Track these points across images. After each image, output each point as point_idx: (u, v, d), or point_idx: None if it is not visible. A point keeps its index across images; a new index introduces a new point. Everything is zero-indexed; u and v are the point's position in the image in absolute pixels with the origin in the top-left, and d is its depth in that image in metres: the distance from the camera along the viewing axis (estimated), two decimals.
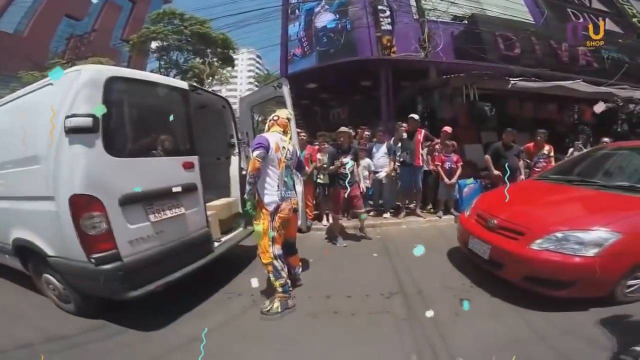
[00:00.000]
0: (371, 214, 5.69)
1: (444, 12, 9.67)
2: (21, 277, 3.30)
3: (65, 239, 2.35)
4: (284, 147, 2.83)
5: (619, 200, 2.81)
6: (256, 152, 2.63)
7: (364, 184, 4.38)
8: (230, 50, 20.04)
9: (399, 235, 4.90)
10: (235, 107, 4.92)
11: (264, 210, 2.74)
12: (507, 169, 4.98)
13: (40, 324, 2.72)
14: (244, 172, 4.13)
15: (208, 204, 3.53)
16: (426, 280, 3.23)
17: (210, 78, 20.22)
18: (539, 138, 5.49)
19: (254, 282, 2.87)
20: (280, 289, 2.75)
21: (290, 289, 2.86)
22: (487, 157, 5.33)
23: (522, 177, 5.03)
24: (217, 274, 3.56)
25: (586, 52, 9.98)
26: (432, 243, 4.13)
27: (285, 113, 3.06)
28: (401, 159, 5.44)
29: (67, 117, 2.21)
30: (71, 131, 2.21)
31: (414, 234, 4.86)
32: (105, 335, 2.50)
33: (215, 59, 19.83)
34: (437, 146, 5.69)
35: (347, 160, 4.27)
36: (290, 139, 3.03)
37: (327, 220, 5.50)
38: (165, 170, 2.85)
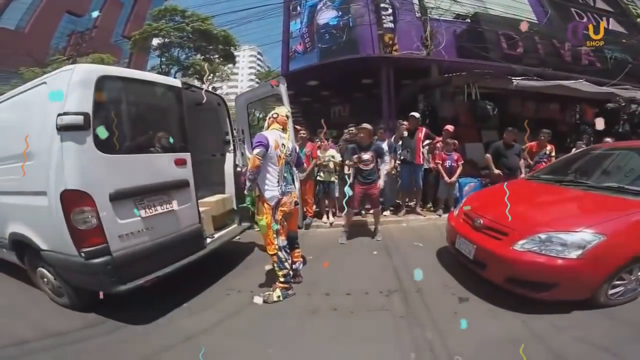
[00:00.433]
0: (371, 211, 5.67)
1: (446, 10, 9.64)
2: (19, 272, 3.32)
3: (57, 233, 2.41)
4: (283, 144, 2.91)
5: (606, 202, 2.75)
6: (256, 150, 2.70)
7: (382, 183, 4.36)
8: (232, 47, 19.98)
9: (399, 233, 4.88)
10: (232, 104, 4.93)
11: (265, 205, 2.84)
12: (507, 169, 5.00)
13: (38, 319, 2.74)
14: (238, 169, 4.16)
15: (201, 201, 3.56)
16: (425, 279, 3.18)
17: (212, 75, 20.16)
18: (542, 138, 5.46)
19: (257, 300, 2.86)
20: (282, 279, 2.91)
21: (292, 280, 3.03)
22: (488, 155, 5.31)
23: (523, 176, 5.01)
24: (217, 271, 3.58)
25: (589, 52, 9.92)
26: (432, 241, 4.12)
27: (284, 111, 3.13)
28: (402, 157, 5.43)
29: (59, 114, 2.25)
30: (63, 128, 2.26)
31: (414, 232, 4.84)
32: (104, 331, 2.52)
33: (216, 56, 19.77)
34: (437, 144, 5.68)
35: (367, 156, 4.28)
36: (289, 136, 3.08)
37: (328, 217, 5.50)
38: (157, 167, 2.89)
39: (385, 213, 5.67)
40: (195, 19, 17.48)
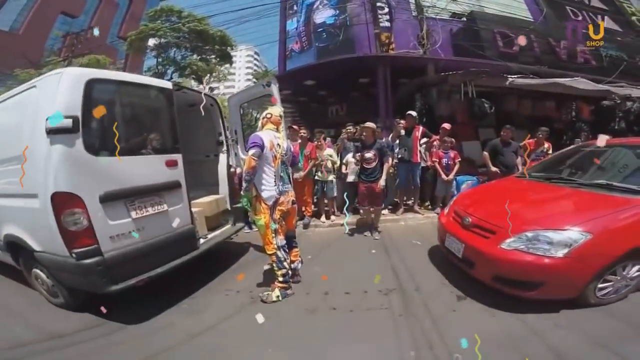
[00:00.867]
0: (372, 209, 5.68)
1: (442, 9, 9.66)
2: (16, 274, 3.31)
3: (49, 235, 2.43)
4: (278, 144, 2.91)
5: (594, 200, 2.71)
6: (252, 151, 2.70)
7: (383, 182, 4.39)
8: (228, 47, 19.94)
9: (397, 231, 4.89)
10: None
11: (263, 205, 2.83)
12: (505, 166, 5.01)
13: (36, 321, 2.73)
14: (232, 170, 4.16)
15: (194, 201, 3.57)
16: (424, 277, 3.22)
17: (208, 75, 20.11)
18: (540, 136, 5.48)
19: (260, 319, 2.65)
20: (281, 278, 2.91)
21: (291, 279, 3.01)
22: (485, 153, 5.32)
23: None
24: (215, 271, 3.58)
25: (585, 50, 9.99)
26: (430, 239, 4.13)
27: (278, 111, 3.12)
28: (399, 156, 5.44)
29: (48, 118, 2.27)
30: (52, 132, 2.28)
31: (412, 231, 4.85)
32: (103, 333, 2.51)
33: (213, 56, 19.72)
34: (434, 142, 5.69)
35: (370, 155, 4.33)
36: (283, 135, 3.09)
37: (327, 217, 5.50)
38: (148, 169, 2.90)
39: (383, 212, 5.67)
40: (192, 20, 17.42)
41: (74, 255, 2.37)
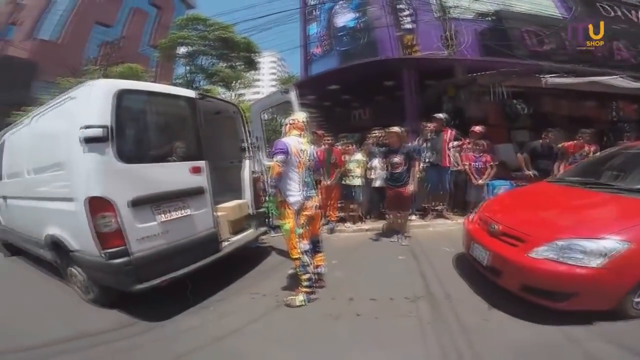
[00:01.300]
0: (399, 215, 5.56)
1: (466, 9, 9.40)
2: (56, 274, 3.55)
3: (83, 236, 2.66)
4: (302, 150, 2.91)
5: (634, 206, 2.50)
6: (277, 157, 2.74)
7: (412, 186, 4.33)
8: (253, 54, 20.29)
9: (426, 237, 4.74)
10: None
11: (289, 210, 2.86)
12: (542, 171, 4.76)
13: (72, 319, 2.90)
14: (254, 175, 4.22)
15: (219, 206, 3.69)
16: (453, 285, 3.10)
17: (234, 82, 20.55)
18: (580, 138, 5.16)
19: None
20: (305, 283, 2.91)
21: (315, 284, 3.01)
22: (524, 155, 5.08)
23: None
24: (240, 275, 3.62)
25: (621, 47, 9.40)
26: (460, 246, 3.96)
27: (302, 116, 3.12)
28: (428, 160, 5.29)
29: (82, 128, 2.46)
30: (86, 141, 2.47)
31: (441, 237, 4.68)
32: (136, 332, 2.62)
33: (239, 63, 20.12)
34: (464, 146, 5.49)
35: (397, 159, 4.31)
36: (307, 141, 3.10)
37: (353, 223, 5.44)
38: (173, 175, 3.05)
39: (411, 217, 5.52)
40: (217, 27, 17.87)
41: (104, 255, 2.56)
